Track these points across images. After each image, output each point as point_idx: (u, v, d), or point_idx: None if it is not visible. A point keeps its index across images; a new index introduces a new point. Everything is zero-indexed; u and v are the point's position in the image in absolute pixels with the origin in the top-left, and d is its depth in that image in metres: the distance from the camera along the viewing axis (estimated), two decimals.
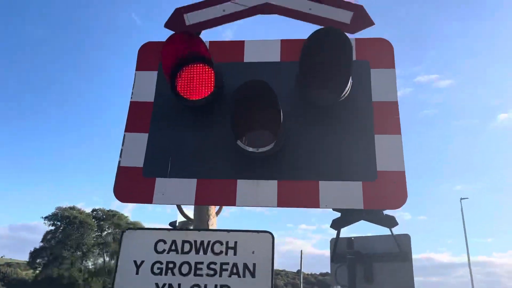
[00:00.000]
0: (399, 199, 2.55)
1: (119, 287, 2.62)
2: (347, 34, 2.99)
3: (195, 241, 2.69)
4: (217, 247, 2.66)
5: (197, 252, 2.66)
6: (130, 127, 2.89)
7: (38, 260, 65.33)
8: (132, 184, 2.73)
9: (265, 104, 2.50)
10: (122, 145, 2.84)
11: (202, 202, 2.73)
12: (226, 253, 2.64)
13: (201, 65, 2.81)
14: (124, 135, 2.88)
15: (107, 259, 68.23)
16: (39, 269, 65.34)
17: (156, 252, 2.68)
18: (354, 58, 2.88)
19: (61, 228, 65.81)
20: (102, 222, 68.29)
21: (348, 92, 2.70)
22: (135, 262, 2.65)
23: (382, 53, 2.94)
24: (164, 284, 2.57)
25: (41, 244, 65.65)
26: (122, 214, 69.36)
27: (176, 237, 2.72)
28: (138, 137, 2.86)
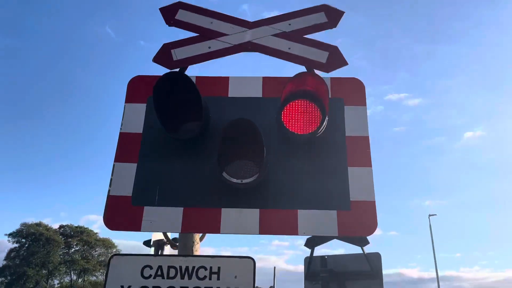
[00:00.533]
0: (370, 227, 2.79)
1: None
2: (323, 73, 3.28)
3: (180, 267, 2.83)
4: (201, 272, 2.81)
5: (182, 277, 2.80)
6: (120, 157, 3.03)
7: (0, 279, 62.38)
8: (121, 213, 2.86)
9: (250, 140, 2.71)
10: (112, 174, 2.98)
11: (188, 230, 2.89)
12: (210, 278, 2.79)
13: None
14: (114, 165, 3.01)
15: (74, 277, 65.91)
16: None
17: (142, 277, 2.79)
18: (329, 96, 3.15)
19: (26, 245, 63.29)
20: (70, 239, 66.11)
21: (324, 128, 2.95)
22: (122, 287, 2.77)
23: (355, 91, 3.22)
24: None
25: (4, 262, 62.89)
26: (91, 231, 67.39)
27: (162, 262, 2.85)
28: (127, 167, 3.00)
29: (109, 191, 2.93)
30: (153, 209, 2.87)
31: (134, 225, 2.83)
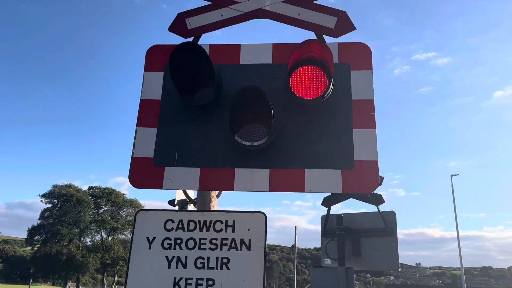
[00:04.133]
0: (372, 184, 3.00)
1: (135, 260, 3.07)
2: (331, 38, 3.39)
3: (199, 221, 3.13)
4: (218, 226, 3.11)
5: (201, 229, 3.11)
6: (141, 122, 3.29)
7: (36, 237, 66.15)
8: (144, 172, 3.16)
9: (259, 106, 2.91)
10: (135, 138, 3.25)
11: (205, 187, 3.17)
12: (226, 230, 3.09)
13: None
14: (136, 129, 3.28)
15: (104, 235, 69.32)
16: (37, 246, 66.23)
17: (165, 230, 3.11)
18: (336, 60, 3.28)
19: (58, 205, 66.45)
20: (99, 200, 68.98)
21: (331, 92, 3.11)
22: (147, 238, 3.09)
23: (362, 56, 3.33)
24: (173, 257, 3.01)
25: (39, 221, 66.40)
26: (119, 192, 70.00)
27: (182, 217, 3.16)
28: (148, 131, 3.26)
29: (132, 153, 3.21)
30: (173, 169, 3.14)
31: (156, 183, 3.12)
